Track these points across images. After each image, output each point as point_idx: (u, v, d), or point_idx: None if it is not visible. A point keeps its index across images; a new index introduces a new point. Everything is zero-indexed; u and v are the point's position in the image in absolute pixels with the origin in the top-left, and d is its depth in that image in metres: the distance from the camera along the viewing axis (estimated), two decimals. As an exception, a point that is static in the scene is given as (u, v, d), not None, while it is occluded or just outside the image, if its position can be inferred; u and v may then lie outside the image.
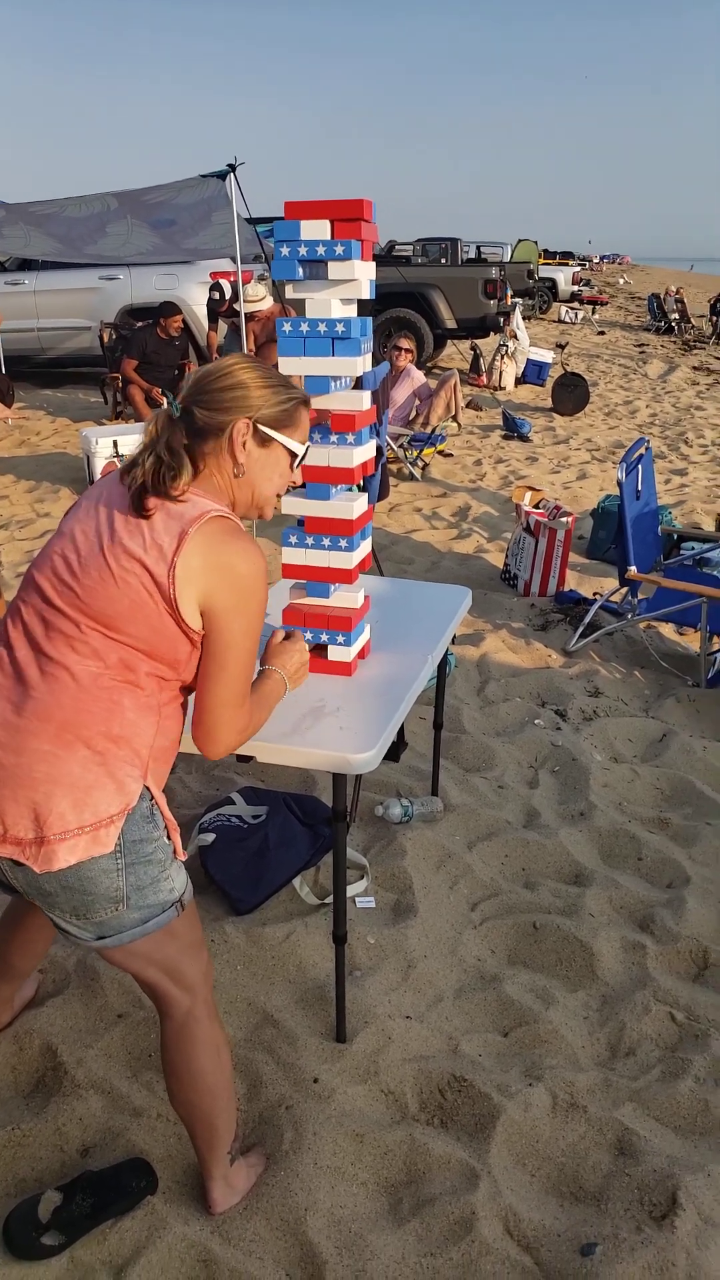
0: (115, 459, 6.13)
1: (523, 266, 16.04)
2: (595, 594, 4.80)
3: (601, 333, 18.87)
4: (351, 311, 1.94)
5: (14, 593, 2.78)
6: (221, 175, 5.11)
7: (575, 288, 24.21)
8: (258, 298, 7.04)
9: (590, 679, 3.93)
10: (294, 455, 1.57)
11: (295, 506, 2.06)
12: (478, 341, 12.06)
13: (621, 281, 37.98)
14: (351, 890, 2.56)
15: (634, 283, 39.54)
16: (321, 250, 1.83)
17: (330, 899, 2.50)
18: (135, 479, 1.41)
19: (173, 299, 8.22)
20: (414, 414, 7.70)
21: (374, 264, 1.94)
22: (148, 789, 1.43)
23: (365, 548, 2.17)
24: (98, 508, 1.44)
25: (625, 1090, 2.02)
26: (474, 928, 2.49)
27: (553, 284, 23.15)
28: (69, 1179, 1.73)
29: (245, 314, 7.00)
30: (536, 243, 21.87)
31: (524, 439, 8.73)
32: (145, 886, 1.41)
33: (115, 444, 6.12)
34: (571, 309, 21.14)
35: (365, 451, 2.05)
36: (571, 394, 9.98)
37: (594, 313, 21.85)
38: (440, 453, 7.79)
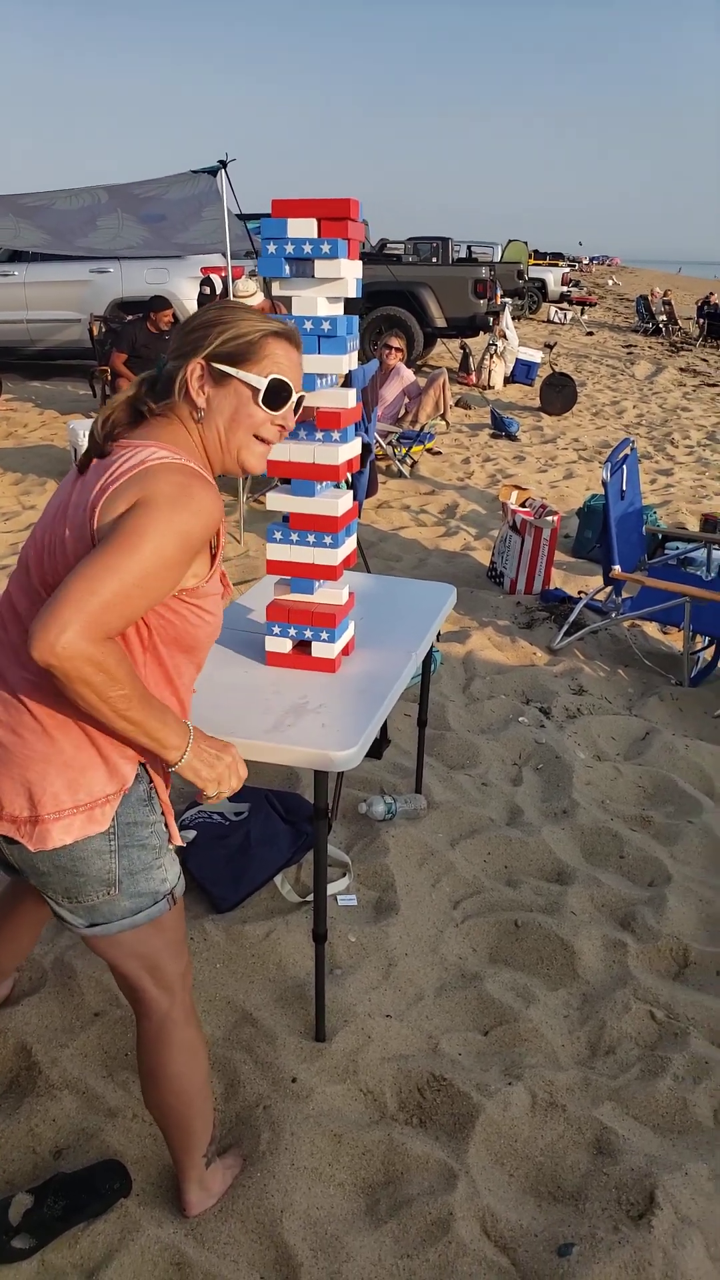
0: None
1: (513, 267, 16.05)
2: (580, 592, 4.81)
3: (590, 333, 18.92)
4: (338, 310, 1.94)
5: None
6: (213, 171, 5.09)
7: (564, 288, 24.26)
8: (248, 293, 7.02)
9: (574, 677, 3.94)
10: (256, 390, 1.38)
11: (280, 503, 2.05)
12: (467, 340, 12.06)
13: (610, 283, 38.09)
14: (333, 888, 2.55)
15: (623, 284, 39.66)
16: (308, 248, 1.82)
17: (312, 897, 2.49)
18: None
19: (163, 293, 8.18)
20: (403, 412, 7.70)
21: (360, 263, 1.93)
22: (146, 771, 1.41)
23: (350, 544, 2.16)
24: (72, 482, 1.40)
25: (605, 1089, 2.02)
26: (455, 926, 2.48)
27: (542, 284, 23.18)
28: (41, 1181, 1.71)
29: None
30: (527, 243, 21.88)
31: (512, 438, 8.74)
32: (138, 872, 1.40)
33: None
34: (561, 309, 21.18)
35: (350, 449, 2.04)
36: (559, 394, 10.01)
37: (583, 313, 21.90)
38: (429, 450, 7.79)
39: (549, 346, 13.46)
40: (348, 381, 2.01)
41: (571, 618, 4.29)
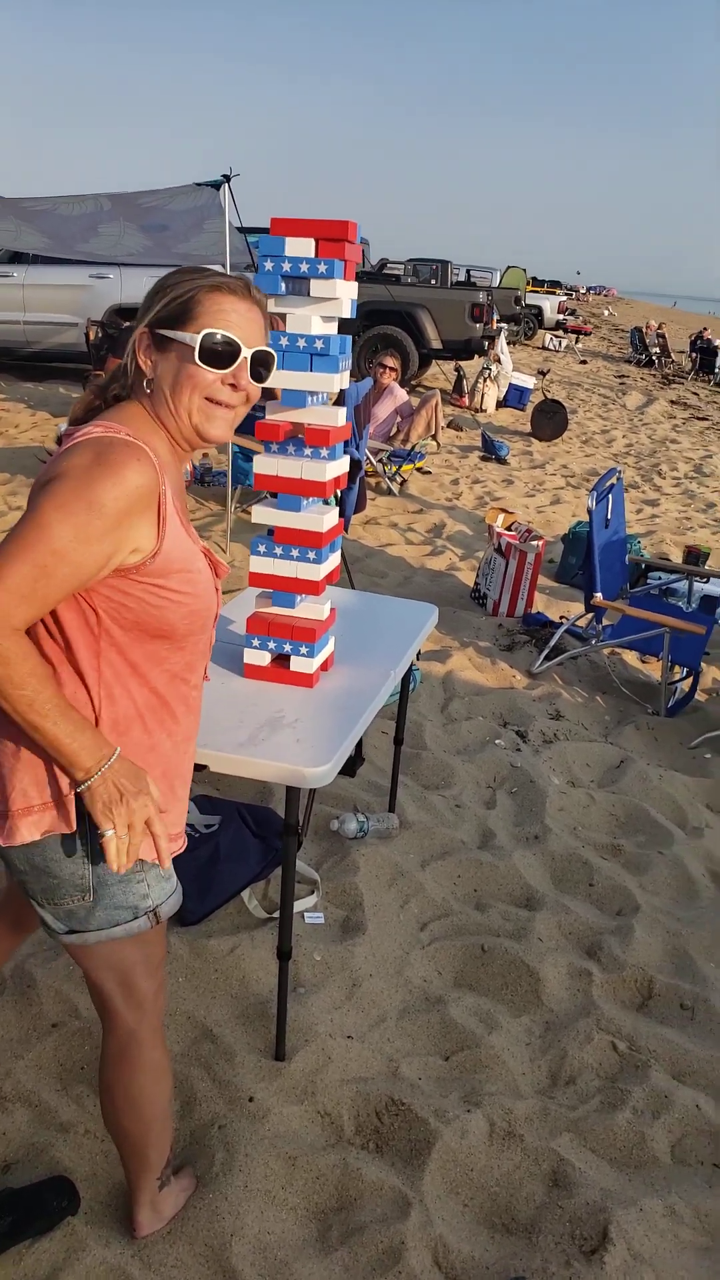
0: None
1: (510, 292, 16.20)
2: (562, 617, 4.83)
3: (584, 362, 19.09)
4: (332, 329, 1.94)
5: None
6: (216, 185, 5.11)
7: (560, 316, 24.48)
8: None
9: (552, 702, 3.94)
10: (191, 349, 1.28)
11: (266, 516, 2.05)
12: (461, 363, 12.15)
13: (606, 313, 38.49)
14: (301, 905, 2.53)
15: (618, 315, 40.09)
16: (305, 267, 1.83)
17: (278, 913, 2.47)
18: None
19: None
20: (395, 430, 7.73)
21: (356, 284, 1.94)
22: None
23: (333, 560, 2.16)
24: None
25: (563, 1120, 2.01)
26: (422, 948, 2.47)
27: (539, 311, 23.38)
28: (-12, 1194, 1.68)
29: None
30: (525, 270, 22.09)
31: (501, 461, 8.79)
32: (112, 884, 1.36)
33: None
34: (556, 337, 21.37)
35: (338, 466, 2.04)
36: (550, 420, 10.08)
37: (577, 342, 22.11)
38: (419, 469, 7.82)
39: (542, 373, 13.57)
40: (339, 400, 2.02)
41: (552, 642, 4.31)
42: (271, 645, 2.08)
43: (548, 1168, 1.89)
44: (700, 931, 2.62)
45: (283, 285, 1.86)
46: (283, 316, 1.90)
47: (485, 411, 11.39)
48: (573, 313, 27.17)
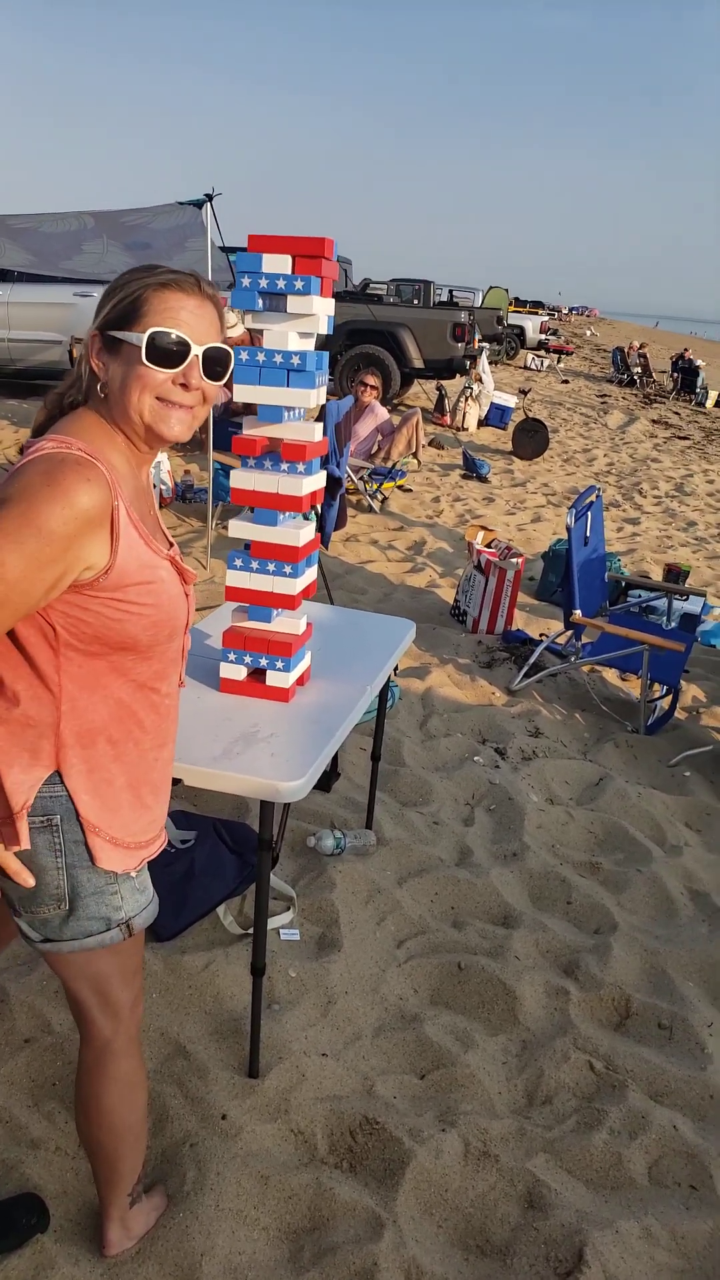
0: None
1: (493, 312, 16.35)
2: (542, 635, 4.85)
3: (565, 381, 19.27)
4: (309, 345, 1.95)
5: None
6: (198, 204, 5.14)
7: (543, 336, 24.72)
8: (229, 325, 7.08)
9: (531, 719, 3.95)
10: (138, 349, 1.26)
11: (242, 530, 2.05)
12: (443, 382, 12.23)
13: (588, 333, 38.91)
14: (277, 921, 2.51)
15: (600, 335, 40.52)
16: (281, 284, 1.84)
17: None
18: None
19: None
20: (376, 448, 7.76)
21: (333, 300, 1.95)
22: (65, 787, 1.32)
23: (310, 575, 2.16)
24: None
25: (539, 1140, 2.00)
26: (398, 965, 2.46)
27: (521, 331, 23.61)
28: (-44, 1214, 1.65)
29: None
30: (508, 290, 22.32)
31: (482, 479, 8.84)
32: (88, 895, 1.35)
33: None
34: (538, 356, 21.58)
35: (314, 481, 2.05)
36: (531, 439, 10.16)
37: (559, 361, 22.34)
38: (400, 487, 7.85)
39: (524, 392, 13.69)
40: (318, 416, 2.02)
41: (531, 659, 4.32)
42: (247, 659, 2.07)
43: (523, 1188, 1.88)
44: (678, 950, 2.62)
45: (260, 301, 1.87)
46: (260, 332, 1.90)
47: (467, 430, 11.47)
48: (555, 332, 27.44)
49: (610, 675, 4.56)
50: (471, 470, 8.93)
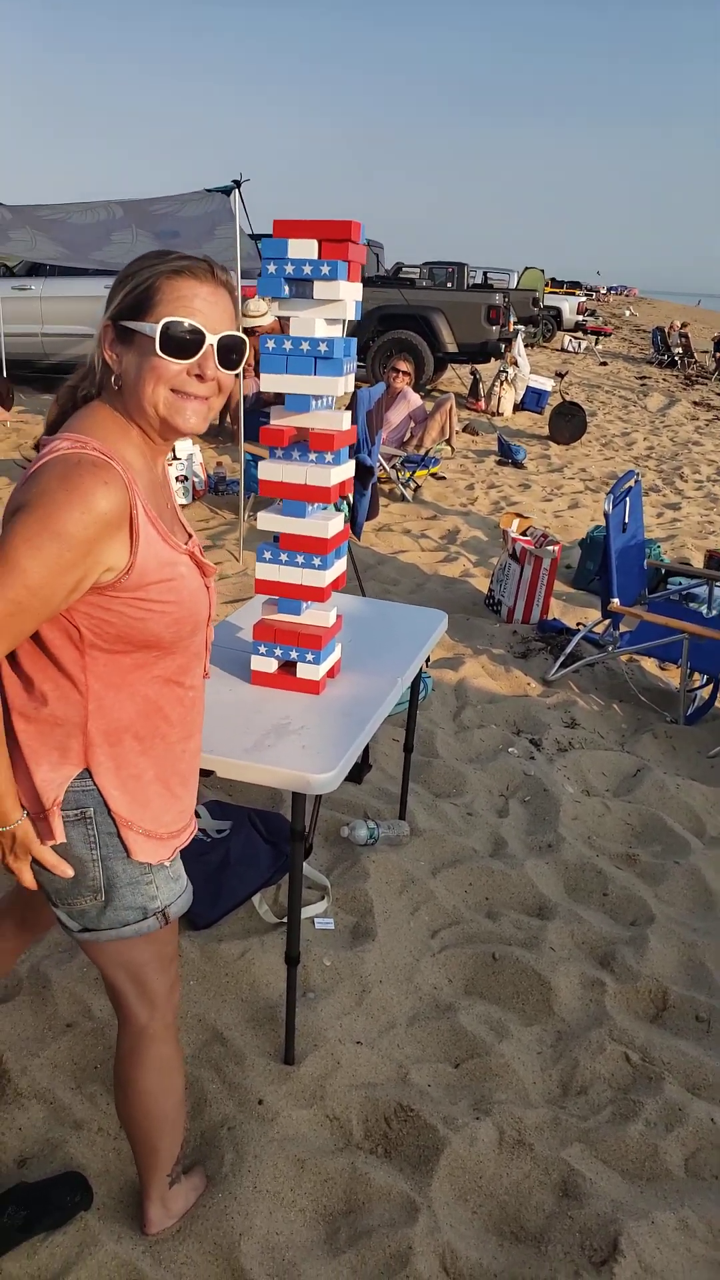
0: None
1: (528, 294, 16.16)
2: (579, 624, 4.80)
3: (604, 363, 19.01)
4: (336, 331, 1.94)
5: None
6: (226, 191, 5.13)
7: (580, 317, 24.39)
8: (259, 313, 7.07)
9: (568, 709, 3.92)
10: (152, 340, 1.23)
11: (271, 523, 2.05)
12: (478, 366, 12.13)
13: (627, 314, 38.32)
14: (311, 910, 2.53)
15: (639, 315, 39.90)
16: (308, 269, 1.83)
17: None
18: None
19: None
20: (408, 436, 7.73)
21: (361, 285, 1.94)
22: (95, 783, 1.34)
23: (339, 567, 2.16)
24: None
25: (574, 1130, 1.99)
26: (432, 955, 2.46)
27: (557, 313, 23.32)
28: (3, 1190, 1.70)
29: (246, 329, 7.04)
30: (544, 271, 22.03)
31: (518, 465, 8.77)
32: (123, 885, 1.38)
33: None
34: (575, 338, 21.31)
35: (343, 471, 2.04)
36: (569, 423, 10.04)
37: (597, 343, 22.02)
38: (433, 475, 7.81)
39: (560, 375, 13.53)
40: (350, 403, 2.02)
41: (568, 649, 4.29)
42: (278, 652, 2.08)
43: (558, 1177, 1.88)
44: (717, 943, 2.59)
45: (286, 288, 1.86)
46: (286, 320, 1.90)
47: (502, 415, 11.37)
48: (592, 313, 27.09)
49: (649, 664, 4.51)
50: (507, 456, 8.85)
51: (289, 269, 1.84)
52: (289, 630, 2.07)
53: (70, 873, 1.35)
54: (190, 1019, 2.15)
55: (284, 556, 2.06)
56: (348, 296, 1.86)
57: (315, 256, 1.82)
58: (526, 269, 22.05)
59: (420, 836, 2.91)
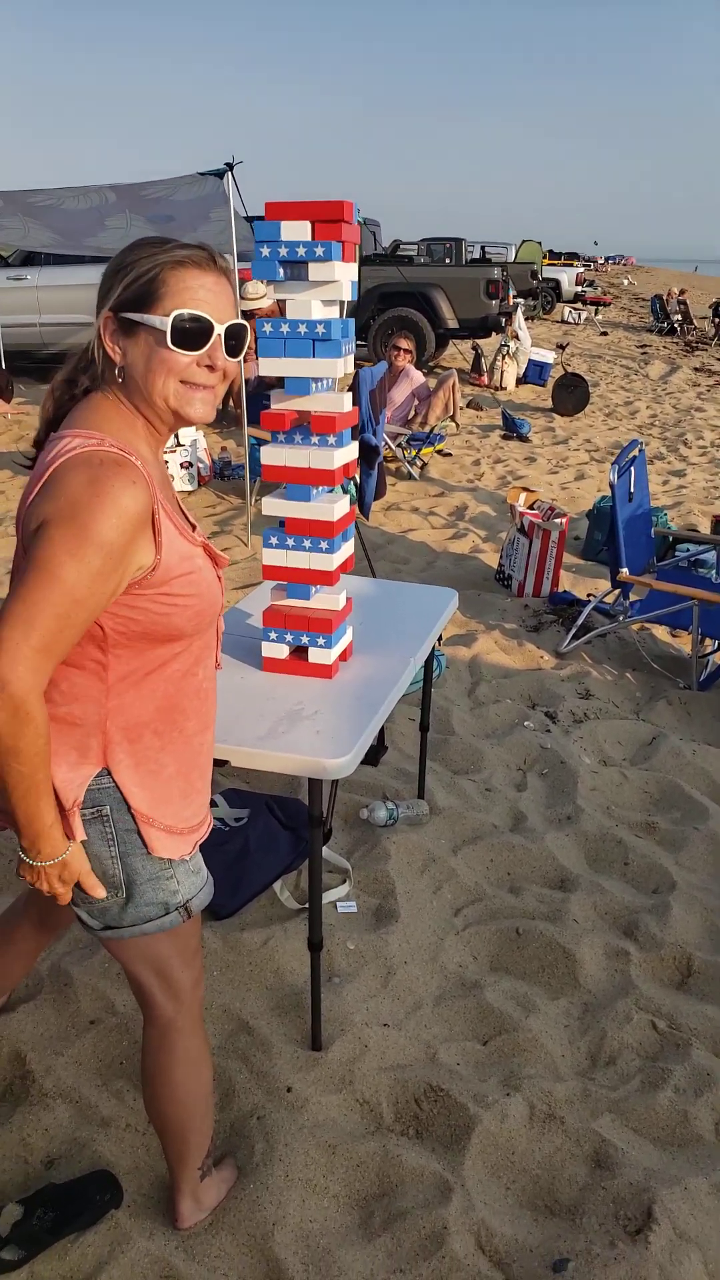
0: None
1: (527, 267, 16.00)
2: (589, 595, 4.78)
3: (604, 333, 18.82)
4: (333, 313, 1.92)
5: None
6: (219, 174, 5.08)
7: (579, 288, 24.15)
8: (257, 296, 7.02)
9: (581, 681, 3.90)
10: (162, 333, 1.23)
11: (276, 507, 2.03)
12: (479, 341, 12.02)
13: (626, 282, 37.92)
14: (333, 894, 2.53)
15: (638, 284, 39.48)
16: (302, 251, 1.80)
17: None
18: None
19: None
20: (412, 414, 7.67)
21: (356, 265, 1.91)
22: (114, 780, 1.34)
23: (347, 549, 2.14)
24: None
25: (604, 1101, 1.99)
26: (456, 933, 2.46)
27: (556, 284, 23.09)
28: (31, 1191, 1.70)
29: (244, 312, 6.98)
30: (541, 243, 21.81)
31: (523, 439, 8.70)
32: (144, 882, 1.37)
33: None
34: (575, 309, 21.09)
35: (346, 453, 2.02)
36: (572, 394, 9.95)
37: (597, 313, 21.80)
38: (439, 452, 7.76)
39: (562, 347, 13.40)
40: (353, 384, 1.99)
41: (579, 621, 4.26)
42: (289, 638, 2.07)
43: (589, 1149, 1.88)
44: (739, 906, 2.58)
45: (281, 270, 1.84)
46: (284, 302, 1.88)
47: (505, 389, 11.28)
48: (591, 284, 26.80)
49: (660, 632, 4.48)
50: (512, 430, 8.79)
51: (283, 251, 1.81)
52: (299, 615, 2.05)
53: (103, 893, 1.35)
54: (215, 1009, 2.16)
55: (290, 541, 2.04)
56: (343, 277, 1.83)
57: (309, 238, 1.79)
58: (524, 242, 21.83)
59: (440, 815, 2.90)
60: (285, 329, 1.87)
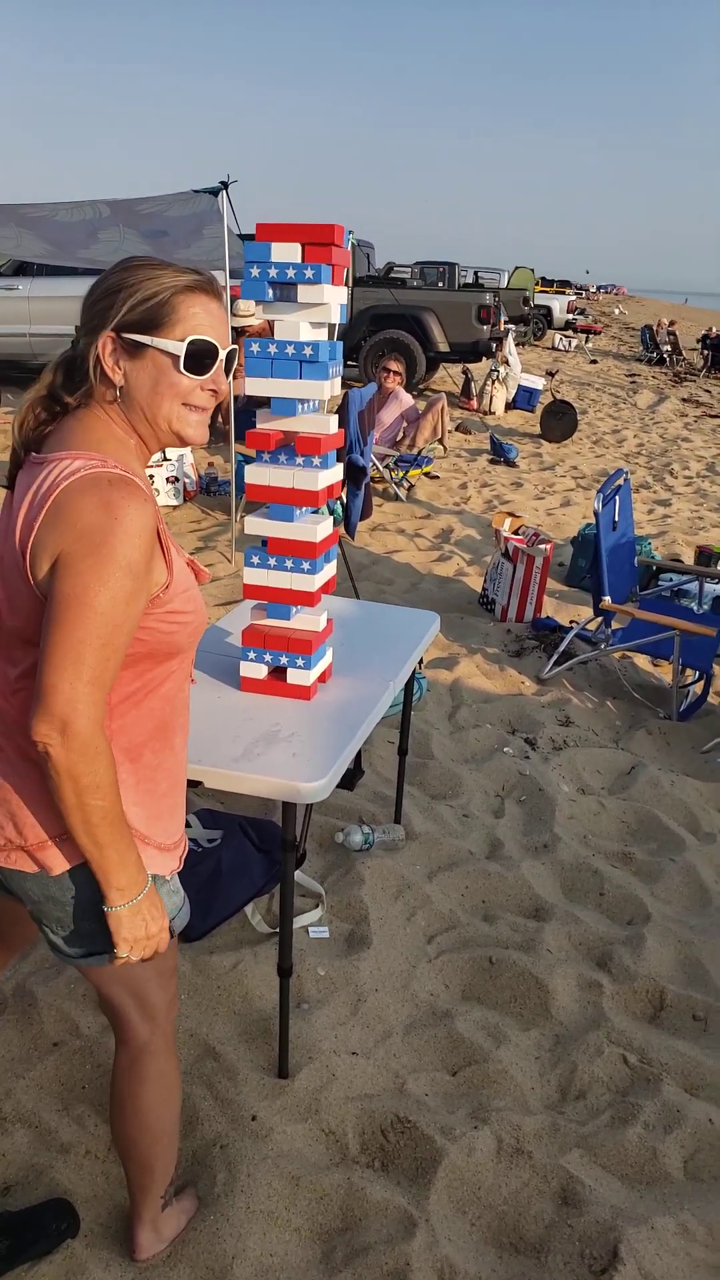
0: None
1: (519, 293, 16.18)
2: (572, 622, 4.79)
3: (594, 361, 19.01)
4: (321, 335, 1.92)
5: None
6: (214, 191, 5.11)
7: (570, 316, 24.41)
8: (248, 313, 7.04)
9: (562, 708, 3.90)
10: (176, 357, 1.25)
11: (258, 527, 2.02)
12: (469, 366, 12.11)
13: (616, 312, 38.36)
14: (305, 919, 2.50)
15: (629, 313, 39.92)
16: (291, 273, 1.80)
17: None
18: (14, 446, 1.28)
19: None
20: (401, 435, 7.70)
21: (345, 289, 1.92)
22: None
23: (329, 571, 2.13)
24: (4, 503, 1.30)
25: (573, 1135, 1.97)
26: (429, 961, 2.44)
27: (548, 311, 23.33)
28: (-15, 1219, 1.66)
29: (235, 329, 7.00)
30: (534, 270, 22.05)
31: (510, 464, 8.75)
32: None
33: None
34: (565, 337, 21.30)
35: (331, 475, 2.02)
36: (560, 421, 10.03)
37: (587, 341, 22.03)
38: (426, 474, 7.79)
39: (551, 374, 13.53)
40: (342, 404, 1.99)
41: (561, 647, 4.27)
42: (267, 658, 2.05)
43: (557, 1185, 1.86)
44: (713, 940, 2.57)
45: (270, 291, 1.84)
46: (272, 322, 1.88)
47: (494, 414, 11.35)
48: (582, 312, 27.09)
49: (642, 661, 4.49)
50: (499, 455, 8.84)
51: (272, 272, 1.81)
52: (278, 635, 2.04)
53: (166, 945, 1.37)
54: (181, 1033, 2.12)
55: (272, 561, 2.03)
56: (332, 300, 1.84)
57: (298, 260, 1.80)
58: (517, 268, 22.06)
59: (416, 840, 2.88)
60: (273, 349, 1.87)
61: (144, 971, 1.42)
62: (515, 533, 5.14)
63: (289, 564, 2.03)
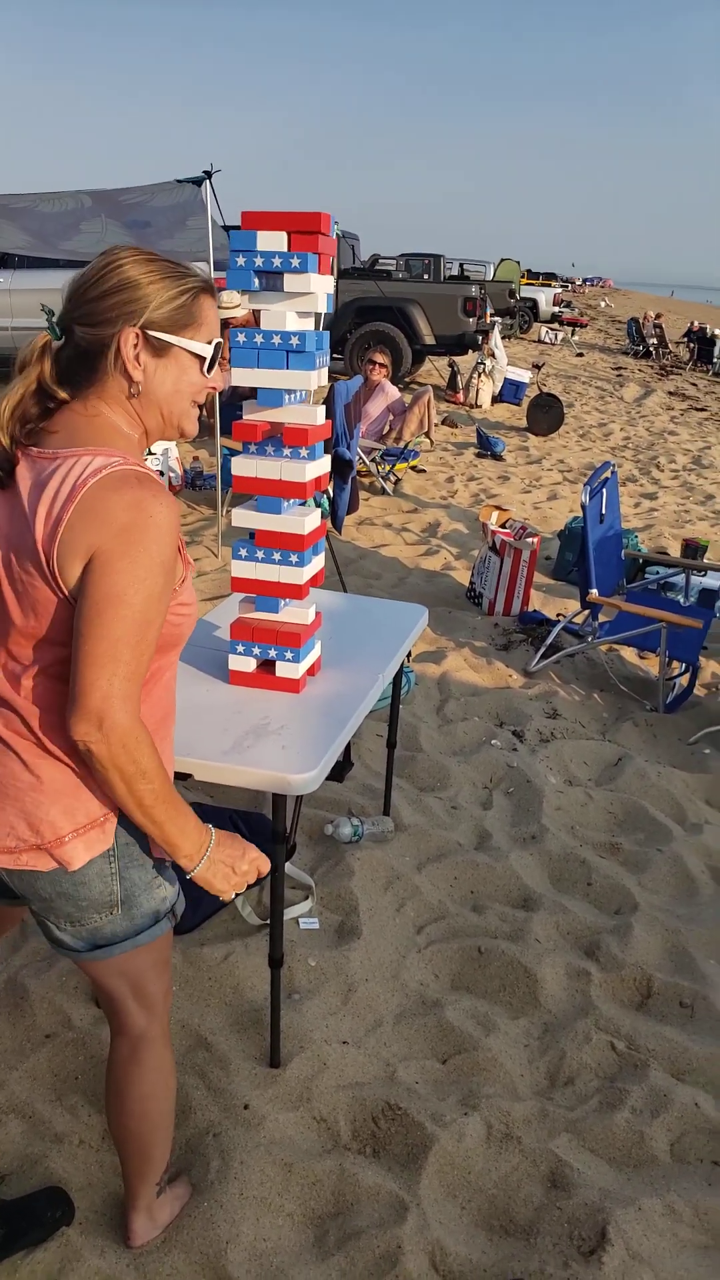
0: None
1: (505, 286, 16.18)
2: (558, 615, 4.81)
3: (580, 354, 19.05)
4: (308, 325, 1.92)
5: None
6: (197, 181, 5.09)
7: (556, 309, 24.44)
8: (232, 304, 7.02)
9: (549, 700, 3.92)
10: (202, 359, 1.30)
11: (246, 519, 2.03)
12: (456, 358, 12.11)
13: (603, 304, 38.42)
14: (296, 911, 2.52)
15: (615, 306, 40.00)
16: (278, 262, 1.80)
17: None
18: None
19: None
20: (387, 429, 7.71)
21: (332, 278, 1.92)
22: None
23: (317, 563, 2.14)
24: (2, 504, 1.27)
25: (561, 1121, 1.99)
26: (418, 951, 2.45)
27: (534, 304, 23.35)
28: (-21, 1209, 1.67)
29: (220, 320, 6.99)
30: (519, 263, 22.05)
31: (497, 458, 8.76)
32: (139, 893, 1.36)
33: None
34: (552, 330, 21.33)
35: (318, 466, 2.02)
36: (546, 414, 10.05)
37: (574, 334, 22.06)
38: (413, 468, 7.80)
39: (537, 367, 13.55)
40: (328, 396, 2.00)
41: (548, 640, 4.29)
42: (256, 651, 2.06)
43: (546, 1169, 1.88)
44: (700, 929, 2.60)
45: (256, 281, 1.84)
46: (257, 312, 1.88)
47: (480, 407, 11.36)
48: (568, 305, 27.14)
49: (628, 654, 4.52)
50: (486, 448, 8.85)
51: (258, 261, 1.81)
52: (267, 628, 2.05)
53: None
54: (174, 1025, 2.13)
55: (260, 553, 2.04)
56: (318, 289, 1.84)
57: (284, 249, 1.80)
58: (502, 260, 22.06)
59: (405, 832, 2.90)
60: (259, 340, 1.87)
61: (145, 962, 1.43)
62: (502, 526, 5.16)
63: (277, 556, 2.03)
